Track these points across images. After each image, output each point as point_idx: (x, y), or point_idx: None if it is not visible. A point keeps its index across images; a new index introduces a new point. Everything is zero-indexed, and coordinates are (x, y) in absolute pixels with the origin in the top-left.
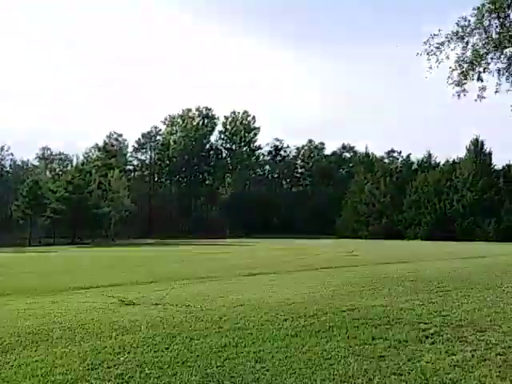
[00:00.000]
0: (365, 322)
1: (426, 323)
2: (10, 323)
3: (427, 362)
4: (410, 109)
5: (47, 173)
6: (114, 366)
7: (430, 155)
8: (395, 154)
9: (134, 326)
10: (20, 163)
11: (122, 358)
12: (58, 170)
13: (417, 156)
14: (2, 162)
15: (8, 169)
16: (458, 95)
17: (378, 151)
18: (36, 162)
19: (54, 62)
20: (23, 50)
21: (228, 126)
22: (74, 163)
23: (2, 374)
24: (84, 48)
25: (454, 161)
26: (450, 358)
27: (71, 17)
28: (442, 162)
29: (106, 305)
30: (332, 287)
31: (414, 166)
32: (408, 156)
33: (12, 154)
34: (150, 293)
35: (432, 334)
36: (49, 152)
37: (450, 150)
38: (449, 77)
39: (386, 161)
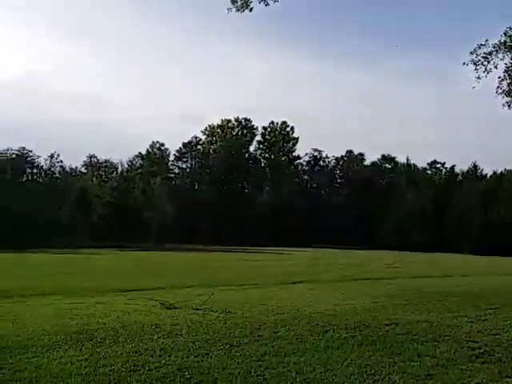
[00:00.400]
0: (410, 337)
1: (475, 342)
2: (57, 321)
3: (478, 383)
4: (455, 120)
5: (94, 179)
6: (155, 368)
7: (475, 167)
8: (438, 166)
9: (175, 329)
10: (69, 170)
11: (163, 361)
12: (103, 176)
13: (461, 168)
14: (52, 169)
15: (58, 175)
16: (509, 105)
17: (420, 162)
18: (83, 169)
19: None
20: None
21: (267, 136)
22: (119, 170)
23: (50, 370)
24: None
25: (501, 172)
26: (504, 380)
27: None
28: (489, 174)
29: (149, 307)
30: (373, 299)
31: (459, 178)
32: (452, 167)
33: (61, 161)
34: (191, 297)
35: (482, 354)
36: (95, 159)
37: (497, 163)
38: (498, 87)
39: (428, 172)
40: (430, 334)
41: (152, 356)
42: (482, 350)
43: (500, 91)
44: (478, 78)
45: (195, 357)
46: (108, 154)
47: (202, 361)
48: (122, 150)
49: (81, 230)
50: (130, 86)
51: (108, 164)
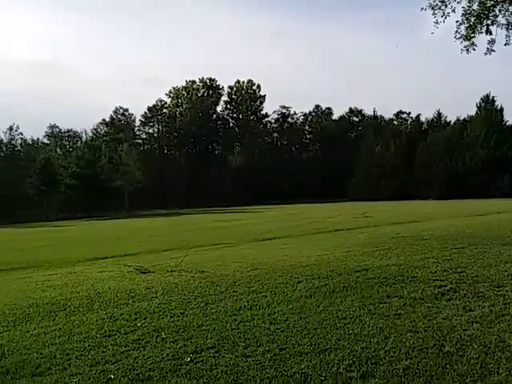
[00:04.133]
0: (379, 281)
1: (441, 280)
2: (29, 295)
3: (444, 319)
4: (417, 69)
5: (58, 150)
6: (131, 331)
7: (439, 115)
8: (404, 116)
9: (150, 292)
10: (30, 142)
11: (138, 324)
12: (68, 146)
13: (426, 116)
14: (13, 142)
15: (19, 148)
16: (467, 50)
17: (387, 113)
18: (46, 140)
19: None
20: None
21: (233, 96)
22: (84, 139)
23: (23, 343)
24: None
25: (464, 119)
26: (468, 314)
27: None
28: (453, 121)
29: (123, 273)
30: (345, 249)
31: (424, 127)
32: (417, 117)
33: (22, 134)
34: (165, 261)
35: (448, 291)
36: (57, 130)
37: (460, 109)
38: (456, 31)
39: (395, 123)
40: (399, 276)
41: (127, 320)
42: (447, 288)
43: (458, 36)
44: (436, 22)
45: (171, 317)
46: (71, 123)
47: (178, 320)
48: (84, 119)
49: (48, 202)
50: (90, 50)
51: (71, 133)
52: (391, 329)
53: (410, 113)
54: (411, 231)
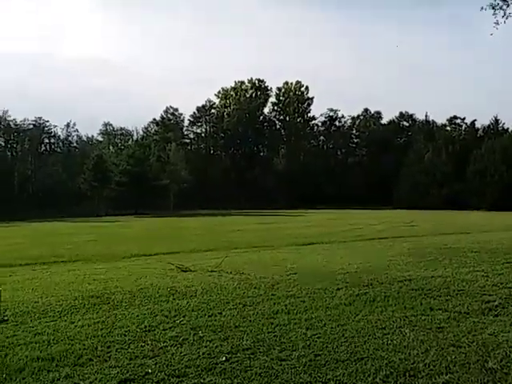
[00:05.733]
0: (422, 292)
1: (489, 295)
2: (76, 287)
3: (490, 335)
4: (474, 73)
5: (110, 147)
6: (170, 328)
7: (497, 121)
8: (458, 121)
9: (190, 291)
10: (85, 139)
11: (177, 321)
12: (119, 144)
13: (482, 123)
14: (69, 139)
15: (75, 145)
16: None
17: (440, 119)
18: (100, 138)
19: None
20: None
21: (281, 98)
22: (135, 138)
23: (68, 333)
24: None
25: None
26: None
27: None
28: (511, 129)
29: (165, 271)
30: (388, 257)
31: (480, 133)
32: (472, 123)
33: (77, 130)
34: (205, 260)
35: (496, 307)
36: (111, 127)
37: None
38: None
39: (448, 128)
40: (444, 288)
41: (167, 317)
42: (495, 303)
43: None
44: (497, 23)
45: (209, 316)
46: (123, 121)
47: (216, 320)
48: (137, 117)
49: (99, 198)
50: (143, 50)
51: (123, 131)
52: (432, 342)
53: (464, 118)
54: (460, 243)
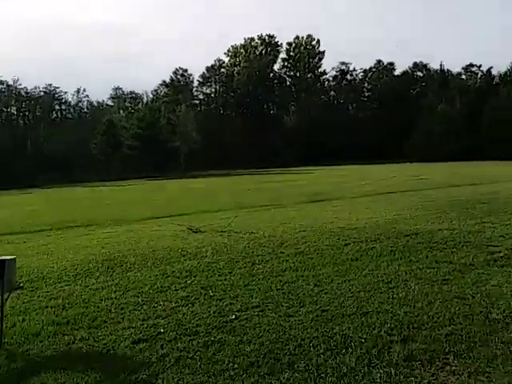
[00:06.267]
0: (428, 246)
1: (495, 246)
2: (90, 251)
3: (494, 286)
4: (493, 16)
5: (120, 112)
6: (181, 288)
7: None
8: (474, 69)
9: (201, 251)
10: (96, 104)
11: (188, 282)
12: (130, 108)
13: (499, 70)
14: (80, 105)
15: (86, 110)
16: None
17: (455, 67)
18: (110, 102)
19: None
20: None
21: (292, 53)
22: (144, 101)
23: (82, 297)
24: None
25: None
26: None
27: None
28: None
29: (176, 233)
30: (396, 212)
31: (496, 81)
32: (489, 70)
33: (88, 96)
34: (216, 221)
35: (501, 258)
36: (120, 91)
37: None
38: None
39: (463, 77)
40: (451, 241)
41: (178, 277)
42: (501, 254)
43: None
44: None
45: (219, 276)
46: (133, 85)
47: (225, 279)
48: (146, 80)
49: (111, 162)
50: (155, 13)
51: (133, 95)
52: (437, 294)
53: (480, 66)
54: (469, 194)
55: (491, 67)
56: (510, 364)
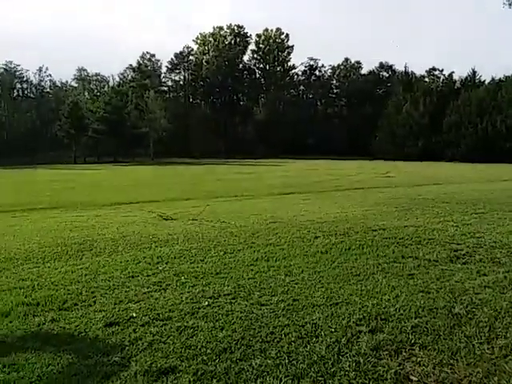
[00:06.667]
0: (395, 241)
1: (458, 244)
2: (58, 234)
3: (457, 282)
4: (454, 25)
5: (85, 94)
6: (153, 274)
7: (474, 73)
8: (437, 73)
9: (172, 239)
10: (59, 84)
11: (160, 268)
12: (95, 90)
13: (460, 75)
14: (42, 83)
15: (48, 90)
16: (510, 4)
17: (419, 70)
18: (74, 83)
19: None
20: None
21: (261, 45)
22: (111, 84)
23: (51, 279)
24: None
25: (500, 79)
26: (481, 279)
27: None
28: (488, 81)
29: (146, 219)
30: (364, 207)
31: (457, 85)
32: (450, 75)
33: (50, 75)
34: (187, 209)
35: (464, 255)
36: (85, 73)
37: (497, 69)
38: None
39: (426, 80)
40: (416, 237)
41: (150, 263)
42: (463, 252)
43: None
44: None
45: (191, 263)
46: (98, 67)
47: (198, 267)
48: (112, 63)
49: (76, 145)
50: None
51: (99, 77)
52: (403, 288)
53: (442, 70)
54: (433, 193)
55: (453, 72)
56: (472, 357)
